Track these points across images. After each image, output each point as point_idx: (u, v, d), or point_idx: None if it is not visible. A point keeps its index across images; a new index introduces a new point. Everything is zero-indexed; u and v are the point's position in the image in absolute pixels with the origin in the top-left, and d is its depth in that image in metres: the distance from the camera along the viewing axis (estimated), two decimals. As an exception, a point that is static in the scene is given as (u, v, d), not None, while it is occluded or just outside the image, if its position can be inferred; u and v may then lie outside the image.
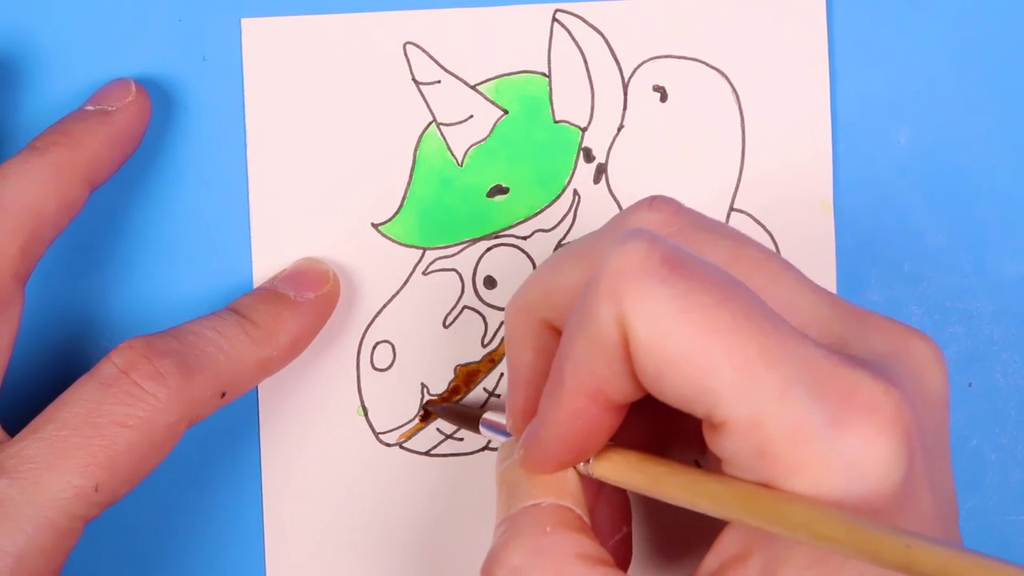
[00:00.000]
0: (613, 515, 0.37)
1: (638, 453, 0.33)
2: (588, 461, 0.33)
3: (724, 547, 0.31)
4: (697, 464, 0.35)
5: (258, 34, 0.42)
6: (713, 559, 0.31)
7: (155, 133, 0.42)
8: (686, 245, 0.31)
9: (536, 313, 0.35)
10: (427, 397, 0.42)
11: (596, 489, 0.36)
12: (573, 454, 0.33)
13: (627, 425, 0.33)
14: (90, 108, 0.40)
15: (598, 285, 0.30)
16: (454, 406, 0.42)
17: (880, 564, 0.27)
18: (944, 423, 0.32)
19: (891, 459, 0.28)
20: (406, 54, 0.42)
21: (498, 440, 0.38)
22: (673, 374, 0.29)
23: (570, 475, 0.34)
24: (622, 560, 0.37)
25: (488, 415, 0.38)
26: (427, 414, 0.42)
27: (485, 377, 0.42)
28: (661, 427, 0.36)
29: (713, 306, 0.29)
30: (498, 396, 0.42)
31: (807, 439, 0.28)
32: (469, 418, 0.40)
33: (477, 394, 0.42)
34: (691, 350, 0.29)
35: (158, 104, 0.42)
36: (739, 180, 0.42)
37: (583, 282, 0.31)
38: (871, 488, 0.28)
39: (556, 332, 0.34)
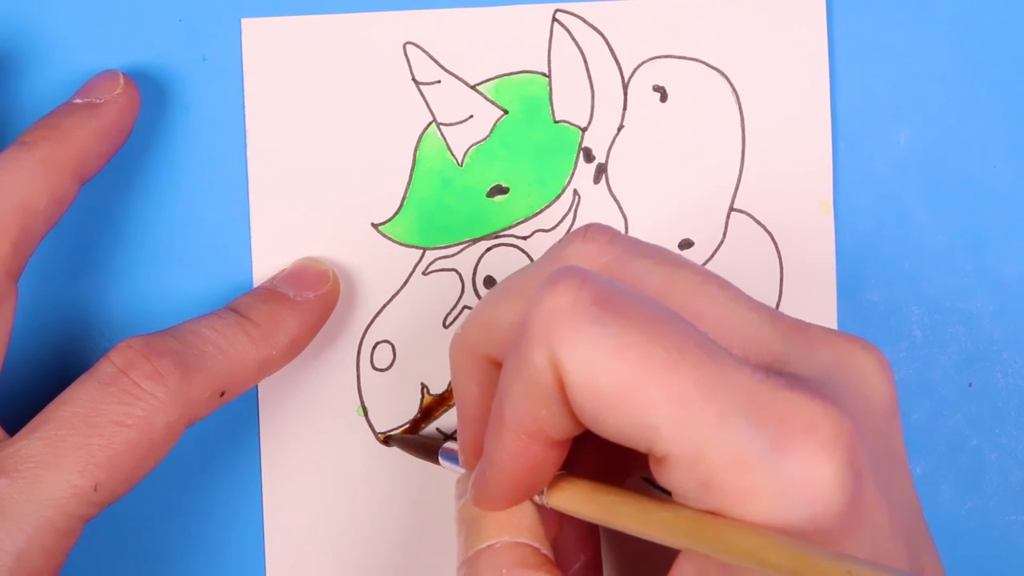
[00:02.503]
0: (580, 540, 0.37)
1: (590, 482, 0.33)
2: (542, 492, 0.33)
3: (680, 573, 0.31)
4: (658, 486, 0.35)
5: (258, 34, 0.42)
6: None
7: (155, 133, 0.42)
8: (620, 275, 0.31)
9: (478, 349, 0.35)
10: (427, 397, 0.42)
11: (558, 518, 0.36)
12: (521, 491, 0.33)
13: (587, 450, 0.33)
14: (78, 101, 0.39)
15: (529, 328, 0.30)
16: (413, 437, 0.42)
17: None
18: (895, 431, 0.32)
19: (835, 479, 0.28)
20: (406, 54, 0.42)
21: (457, 471, 0.38)
22: (610, 413, 0.29)
23: (527, 508, 0.34)
24: None
25: (447, 444, 0.39)
26: (422, 417, 0.42)
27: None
28: (621, 451, 0.36)
29: (646, 343, 0.29)
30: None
31: (749, 467, 0.28)
32: (428, 449, 0.40)
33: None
34: (626, 389, 0.29)
35: (158, 104, 0.42)
36: (739, 180, 0.42)
37: (520, 317, 0.31)
38: (818, 510, 0.28)
39: (499, 367, 0.34)
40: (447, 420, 0.42)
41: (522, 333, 0.30)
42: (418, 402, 0.42)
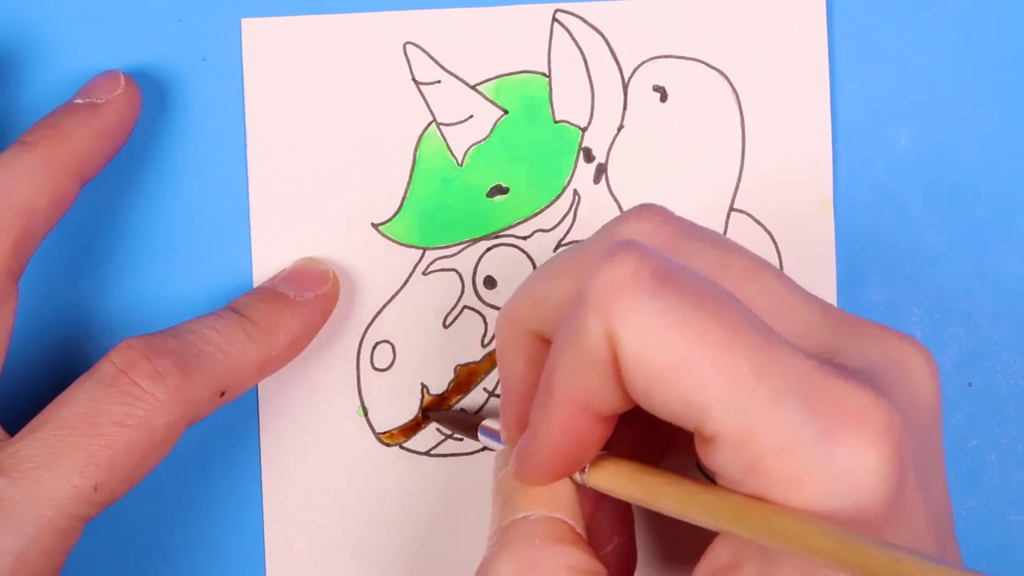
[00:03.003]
0: (614, 523, 0.37)
1: (632, 463, 0.32)
2: (583, 471, 0.33)
3: (716, 556, 0.31)
4: (699, 469, 0.35)
5: (258, 34, 0.42)
6: (705, 567, 0.31)
7: (155, 133, 0.42)
8: (675, 255, 0.31)
9: (526, 324, 0.35)
10: (427, 397, 0.42)
11: (596, 497, 0.35)
12: (565, 466, 0.33)
13: (623, 432, 0.33)
14: (79, 101, 0.39)
15: (586, 298, 0.29)
16: (452, 412, 0.42)
17: None
18: (936, 432, 0.32)
19: (882, 470, 0.28)
20: (406, 54, 0.42)
21: (496, 447, 0.38)
22: (662, 389, 0.29)
23: (565, 485, 0.33)
24: (623, 568, 0.37)
25: (486, 422, 0.38)
26: (425, 415, 0.42)
27: (485, 377, 0.42)
28: (659, 433, 0.36)
29: (703, 320, 0.29)
30: (498, 396, 0.42)
31: (798, 452, 0.28)
32: (467, 425, 0.40)
33: (477, 394, 0.42)
34: (680, 364, 0.28)
35: (158, 104, 0.42)
36: (739, 180, 0.42)
37: (572, 293, 0.31)
38: (862, 501, 0.28)
39: (546, 343, 0.34)
40: (447, 420, 0.42)
41: (578, 303, 0.30)
42: (418, 402, 0.42)
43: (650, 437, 0.36)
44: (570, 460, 0.33)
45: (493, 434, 0.38)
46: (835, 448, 0.28)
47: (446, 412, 0.42)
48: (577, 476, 0.33)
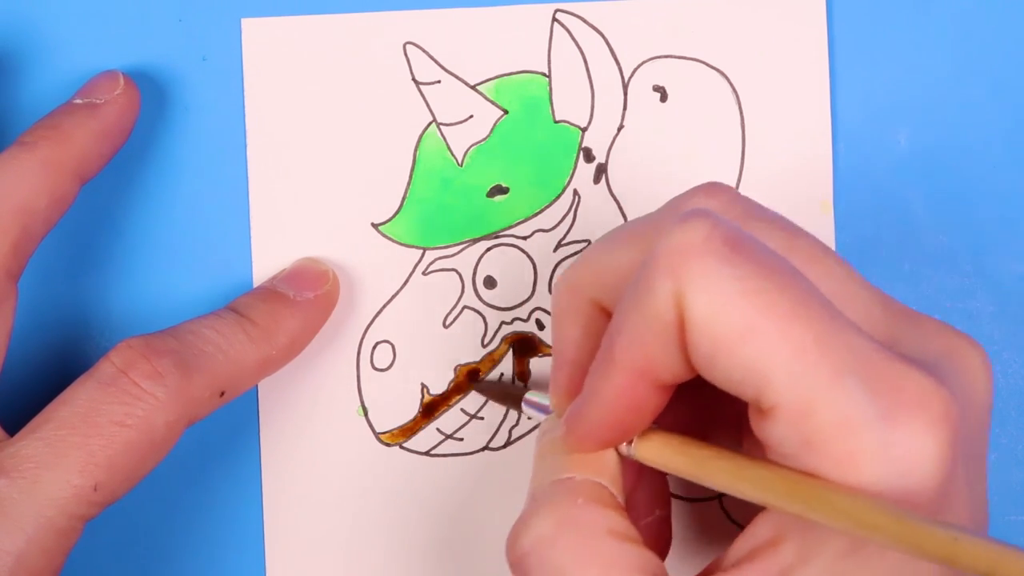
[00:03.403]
0: (651, 501, 0.37)
1: (681, 436, 0.32)
2: (631, 443, 0.33)
3: (756, 532, 0.31)
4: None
5: (258, 34, 0.42)
6: (743, 544, 0.31)
7: (155, 133, 0.42)
8: None
9: (585, 292, 0.34)
10: (427, 397, 0.42)
11: (636, 474, 0.35)
12: (617, 433, 0.32)
13: (667, 410, 0.33)
14: (78, 101, 0.39)
15: (657, 261, 0.29)
16: (496, 383, 0.42)
17: (924, 556, 0.27)
18: (985, 431, 0.32)
19: (937, 456, 0.28)
20: (406, 54, 0.42)
21: (539, 418, 0.38)
22: (726, 355, 0.29)
23: (610, 456, 0.33)
24: (659, 544, 0.37)
25: (530, 394, 0.38)
26: (427, 412, 0.42)
27: (485, 377, 0.42)
28: (701, 415, 0.36)
29: (772, 290, 0.29)
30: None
31: (855, 430, 0.28)
32: (510, 396, 0.40)
33: (477, 394, 0.42)
34: (746, 332, 0.29)
35: (158, 104, 0.42)
36: (739, 180, 0.42)
37: (635, 263, 0.31)
38: (913, 484, 0.28)
39: (604, 312, 0.34)
40: (448, 420, 0.42)
41: (647, 266, 0.30)
42: (418, 402, 0.42)
43: (693, 420, 0.36)
44: (622, 428, 0.32)
45: (537, 407, 0.38)
46: (893, 430, 0.28)
47: (489, 382, 0.42)
48: (623, 448, 0.33)
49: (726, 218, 0.30)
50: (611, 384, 0.31)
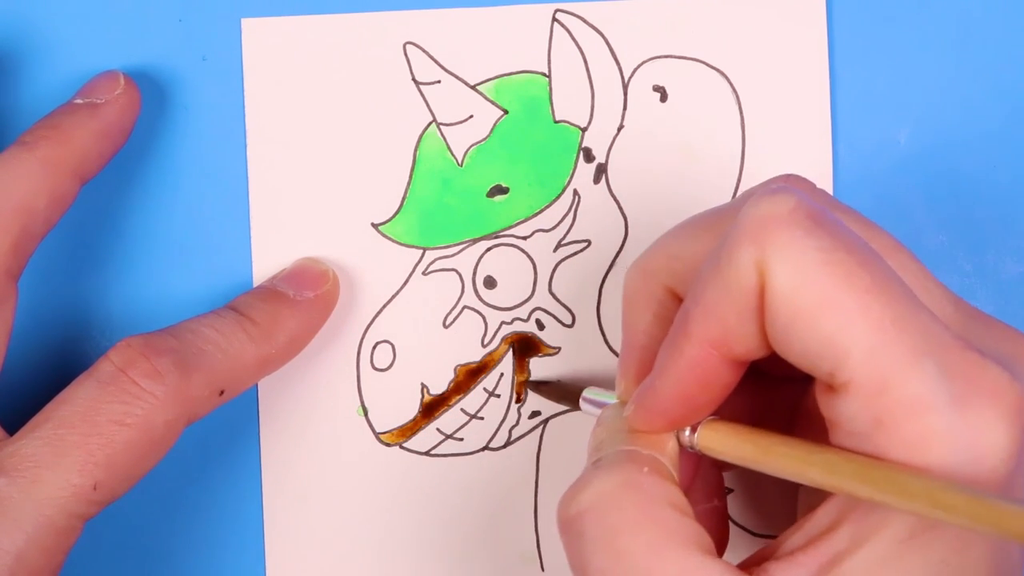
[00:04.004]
0: (707, 492, 0.37)
1: (744, 425, 0.32)
2: (693, 433, 0.33)
3: (815, 522, 0.31)
4: None
5: (258, 34, 0.42)
6: (800, 535, 0.31)
7: (155, 133, 0.42)
8: None
9: (657, 278, 0.35)
10: (427, 397, 0.42)
11: (693, 469, 0.35)
12: (686, 410, 0.32)
13: (722, 405, 0.33)
14: (79, 101, 0.40)
15: (742, 229, 0.30)
16: (551, 382, 0.41)
17: (1004, 535, 0.27)
18: None
19: (1007, 446, 0.29)
20: (406, 54, 0.42)
21: (595, 415, 0.37)
22: (804, 326, 0.29)
23: (671, 442, 0.33)
24: (717, 533, 0.36)
25: (588, 391, 0.38)
26: (427, 412, 0.42)
27: (485, 377, 0.42)
28: (753, 412, 0.36)
29: (854, 265, 0.29)
30: (498, 396, 0.42)
31: (929, 412, 0.28)
32: (567, 394, 0.40)
33: (478, 394, 0.42)
34: (827, 304, 0.29)
35: (158, 104, 0.42)
36: (739, 180, 0.42)
37: (708, 250, 0.31)
38: (981, 471, 0.28)
39: (676, 298, 0.34)
40: (448, 420, 0.42)
41: (730, 235, 0.30)
42: (418, 402, 0.42)
43: (747, 416, 0.35)
44: (691, 405, 0.32)
45: (595, 404, 0.37)
46: (966, 415, 0.28)
47: (546, 383, 0.41)
48: (685, 438, 0.33)
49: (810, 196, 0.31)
50: (684, 357, 0.31)
